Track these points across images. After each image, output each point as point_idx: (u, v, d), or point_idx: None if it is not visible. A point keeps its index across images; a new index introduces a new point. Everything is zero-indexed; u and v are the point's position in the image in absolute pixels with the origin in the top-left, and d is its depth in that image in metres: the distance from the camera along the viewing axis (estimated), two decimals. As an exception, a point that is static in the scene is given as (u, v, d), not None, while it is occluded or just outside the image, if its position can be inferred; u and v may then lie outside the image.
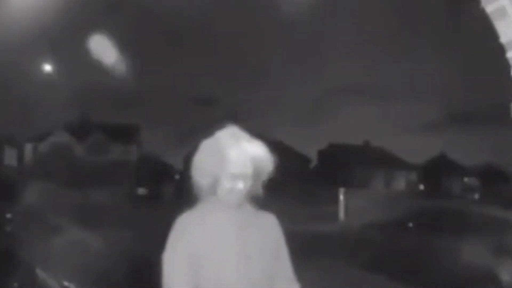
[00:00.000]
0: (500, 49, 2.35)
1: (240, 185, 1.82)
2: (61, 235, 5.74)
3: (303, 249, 3.31)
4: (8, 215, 6.57)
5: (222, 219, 1.84)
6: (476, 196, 44.84)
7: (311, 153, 50.04)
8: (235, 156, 1.80)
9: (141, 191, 41.08)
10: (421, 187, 49.08)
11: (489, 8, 2.35)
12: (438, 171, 50.81)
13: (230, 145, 1.82)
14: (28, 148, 42.32)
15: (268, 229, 1.92)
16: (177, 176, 49.40)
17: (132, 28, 49.46)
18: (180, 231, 1.82)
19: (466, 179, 50.82)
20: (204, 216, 1.85)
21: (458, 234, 7.00)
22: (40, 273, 4.61)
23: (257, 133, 2.03)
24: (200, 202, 1.90)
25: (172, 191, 42.63)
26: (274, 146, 2.05)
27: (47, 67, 24.12)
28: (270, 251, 1.87)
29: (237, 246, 1.80)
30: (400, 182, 48.09)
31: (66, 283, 4.50)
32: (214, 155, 1.83)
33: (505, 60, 2.33)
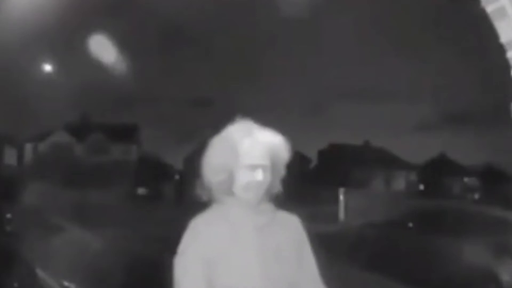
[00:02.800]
0: (500, 49, 2.35)
1: (259, 177, 1.71)
2: (61, 235, 5.74)
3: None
4: (8, 215, 6.57)
5: (239, 220, 1.73)
6: (476, 196, 44.86)
7: (311, 153, 50.07)
8: (249, 147, 1.71)
9: (141, 191, 41.09)
10: (421, 187, 49.10)
11: (489, 8, 2.34)
12: (438, 171, 50.82)
13: (243, 135, 1.73)
14: (28, 148, 42.34)
15: (289, 230, 1.82)
16: (177, 176, 49.41)
17: (132, 29, 49.46)
18: (193, 234, 1.72)
19: (466, 179, 50.84)
20: (219, 217, 1.74)
21: (458, 234, 6.99)
22: (40, 273, 4.61)
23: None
24: (215, 203, 1.79)
25: (172, 191, 42.67)
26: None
27: (47, 67, 24.12)
28: (291, 254, 1.77)
29: (255, 249, 1.70)
30: (400, 182, 48.10)
31: (66, 283, 4.50)
32: (226, 148, 1.73)
33: (505, 60, 2.32)
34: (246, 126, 1.77)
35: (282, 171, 1.82)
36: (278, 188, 1.82)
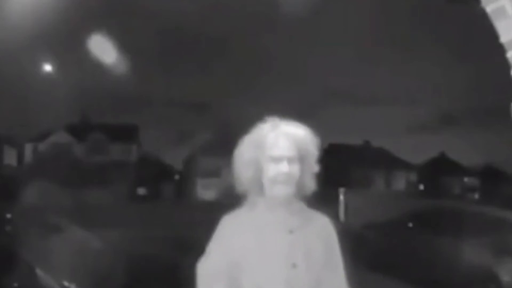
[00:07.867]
0: (500, 49, 2.34)
1: (284, 168, 1.71)
2: (61, 235, 5.73)
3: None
4: (8, 215, 6.57)
5: (268, 221, 1.71)
6: (476, 196, 44.89)
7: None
8: (274, 138, 1.74)
9: (141, 191, 41.09)
10: (421, 187, 49.12)
11: (489, 8, 2.34)
12: (437, 171, 50.85)
13: (269, 129, 1.77)
14: (28, 148, 42.32)
15: (319, 234, 1.79)
16: (176, 176, 49.45)
17: (132, 30, 49.50)
18: (221, 234, 1.72)
19: (466, 179, 50.85)
20: (248, 217, 1.73)
21: (458, 234, 6.99)
22: (40, 273, 4.61)
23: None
24: (246, 204, 1.79)
25: (172, 191, 42.68)
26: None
27: (47, 67, 24.10)
28: (319, 259, 1.74)
29: (282, 252, 1.67)
30: (400, 182, 48.11)
31: (66, 283, 4.50)
32: (253, 141, 1.76)
33: (505, 60, 2.32)
34: (272, 122, 1.80)
35: (313, 167, 1.82)
36: (311, 186, 1.82)
